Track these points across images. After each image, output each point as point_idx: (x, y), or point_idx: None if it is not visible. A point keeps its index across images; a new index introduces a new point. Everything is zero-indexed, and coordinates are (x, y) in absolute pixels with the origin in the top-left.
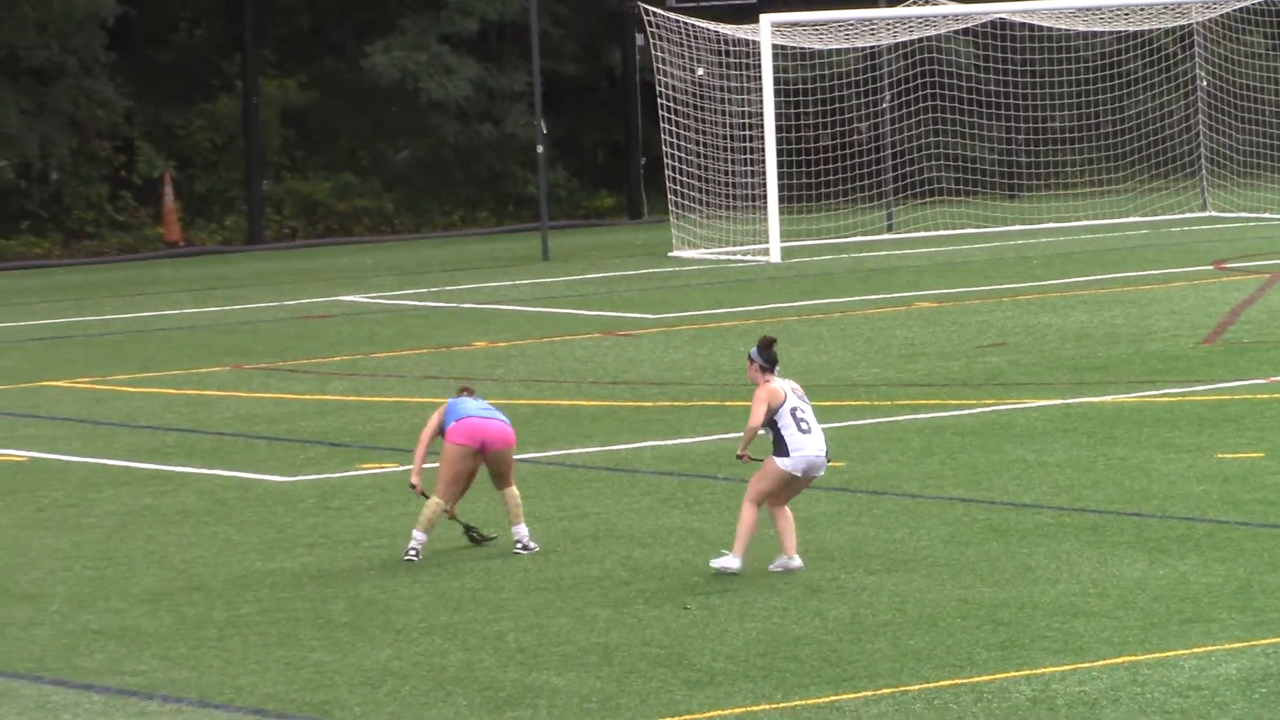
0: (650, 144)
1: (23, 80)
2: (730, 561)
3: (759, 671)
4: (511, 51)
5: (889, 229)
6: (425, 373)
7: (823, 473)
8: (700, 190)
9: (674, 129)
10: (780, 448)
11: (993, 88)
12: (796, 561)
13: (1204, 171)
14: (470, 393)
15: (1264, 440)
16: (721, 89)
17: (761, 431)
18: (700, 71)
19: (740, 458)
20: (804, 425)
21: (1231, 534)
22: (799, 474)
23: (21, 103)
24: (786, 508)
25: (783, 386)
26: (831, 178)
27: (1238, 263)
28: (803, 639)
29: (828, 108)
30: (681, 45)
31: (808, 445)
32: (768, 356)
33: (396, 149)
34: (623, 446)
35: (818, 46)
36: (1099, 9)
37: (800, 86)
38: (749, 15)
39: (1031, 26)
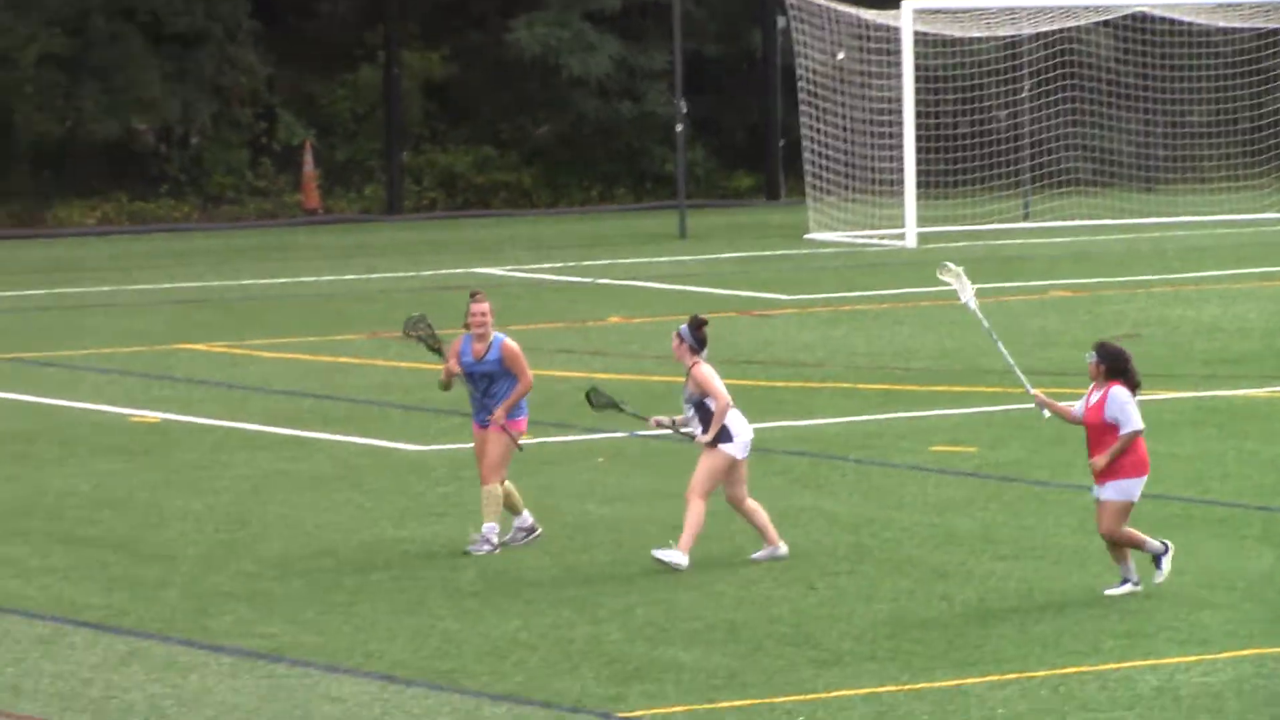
0: (789, 126)
1: (165, 46)
2: (678, 557)
3: (885, 653)
4: (653, 30)
5: (1025, 217)
6: (559, 347)
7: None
8: (838, 173)
9: (813, 112)
10: (721, 434)
11: (1131, 80)
12: (783, 548)
13: None
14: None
15: None
16: (861, 73)
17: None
18: (841, 56)
19: (694, 438)
20: (739, 409)
21: None
22: (741, 456)
23: (164, 67)
24: (750, 500)
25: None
26: (969, 164)
27: None
28: (929, 622)
29: (966, 95)
30: (823, 29)
31: (745, 428)
32: (698, 337)
33: (536, 124)
34: (755, 425)
35: (958, 34)
36: (1239, 5)
37: (940, 73)
38: (891, 1)
39: (1171, 21)
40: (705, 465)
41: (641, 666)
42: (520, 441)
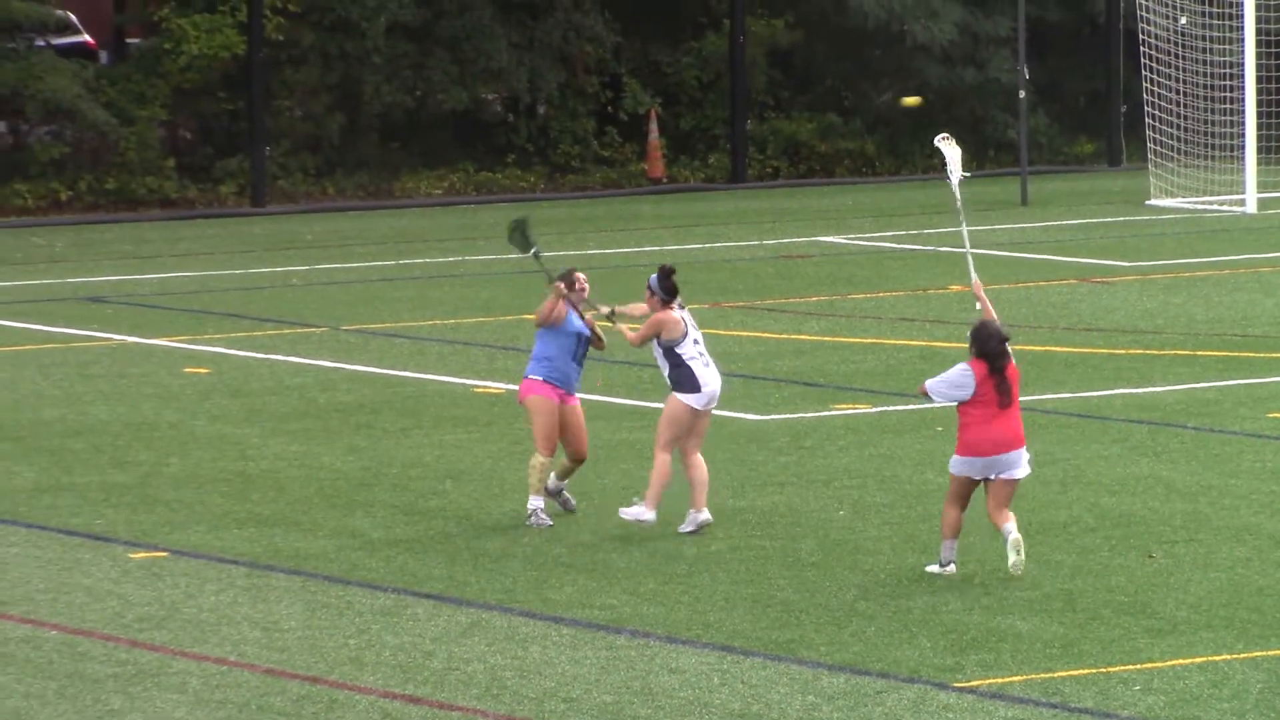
0: (1131, 91)
1: (514, 15)
2: (644, 513)
3: (1221, 621)
4: None
5: None
6: (901, 315)
7: (712, 408)
8: (1179, 139)
9: (1155, 77)
10: (684, 383)
11: None
12: (705, 515)
13: None
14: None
15: None
16: (1203, 38)
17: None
18: (1184, 21)
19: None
20: (705, 359)
21: None
22: (701, 407)
23: (512, 36)
24: (698, 456)
25: (683, 317)
26: None
27: None
28: (1266, 590)
29: None
30: None
31: (711, 379)
32: (666, 287)
33: (880, 91)
34: (1094, 394)
35: None
36: None
37: None
38: None
39: None
40: (665, 414)
41: (979, 636)
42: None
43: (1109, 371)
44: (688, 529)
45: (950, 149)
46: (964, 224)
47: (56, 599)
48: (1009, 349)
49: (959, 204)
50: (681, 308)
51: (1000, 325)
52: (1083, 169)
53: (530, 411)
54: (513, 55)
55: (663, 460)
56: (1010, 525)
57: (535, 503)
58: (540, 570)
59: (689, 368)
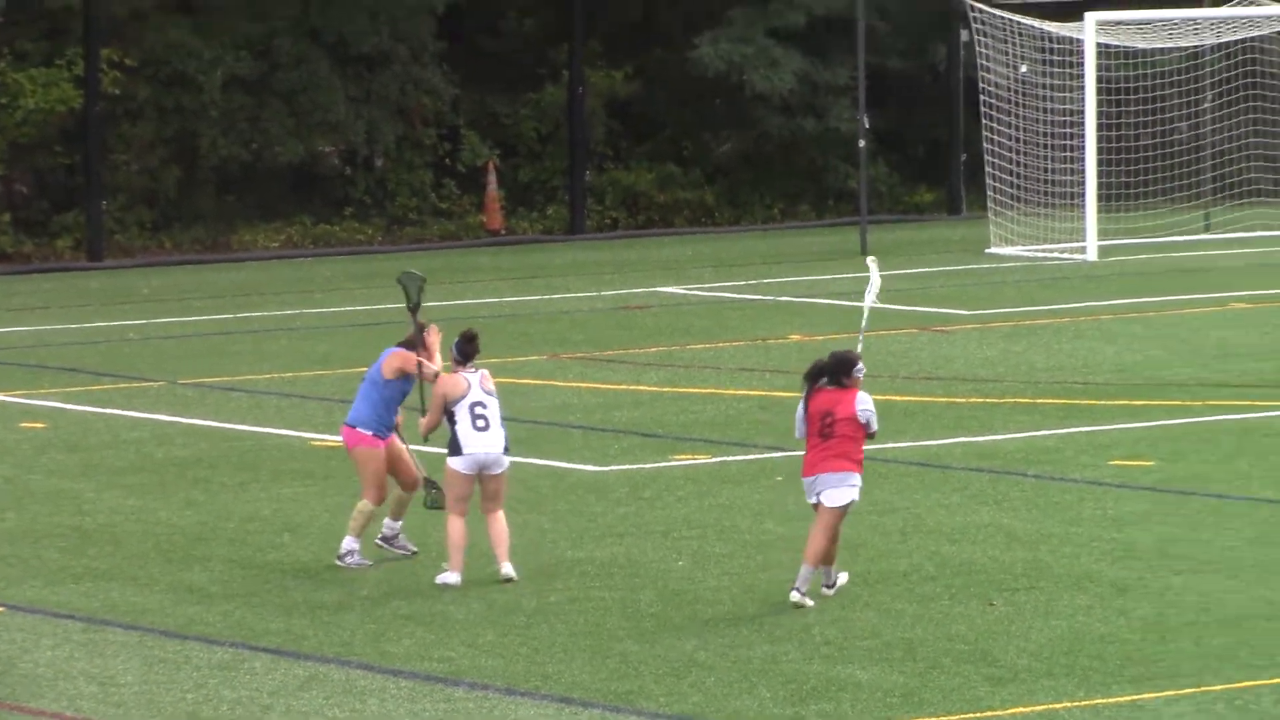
0: (971, 140)
1: (351, 67)
2: (449, 577)
3: (1062, 669)
4: (837, 45)
5: (1206, 229)
6: (740, 365)
7: (500, 471)
8: (1019, 187)
9: (995, 125)
10: (452, 446)
11: None
12: (505, 569)
13: None
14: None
15: None
16: (1044, 86)
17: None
18: (1024, 69)
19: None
20: (479, 423)
21: None
22: (471, 472)
23: (349, 89)
24: (496, 515)
25: (469, 379)
26: (1150, 177)
27: None
28: (1107, 637)
29: (1148, 107)
30: (1006, 42)
31: (478, 444)
32: (461, 349)
33: (719, 141)
34: (934, 442)
35: (1141, 45)
36: None
37: (1122, 85)
38: (1074, 13)
39: None
40: (444, 482)
41: (819, 686)
42: None
43: (949, 420)
44: (443, 580)
45: (876, 274)
46: (861, 339)
47: None
48: (840, 381)
49: (864, 323)
50: (474, 370)
51: (831, 361)
52: (922, 218)
53: (359, 462)
54: (350, 108)
55: (452, 525)
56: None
57: (351, 544)
58: (378, 623)
59: (455, 430)
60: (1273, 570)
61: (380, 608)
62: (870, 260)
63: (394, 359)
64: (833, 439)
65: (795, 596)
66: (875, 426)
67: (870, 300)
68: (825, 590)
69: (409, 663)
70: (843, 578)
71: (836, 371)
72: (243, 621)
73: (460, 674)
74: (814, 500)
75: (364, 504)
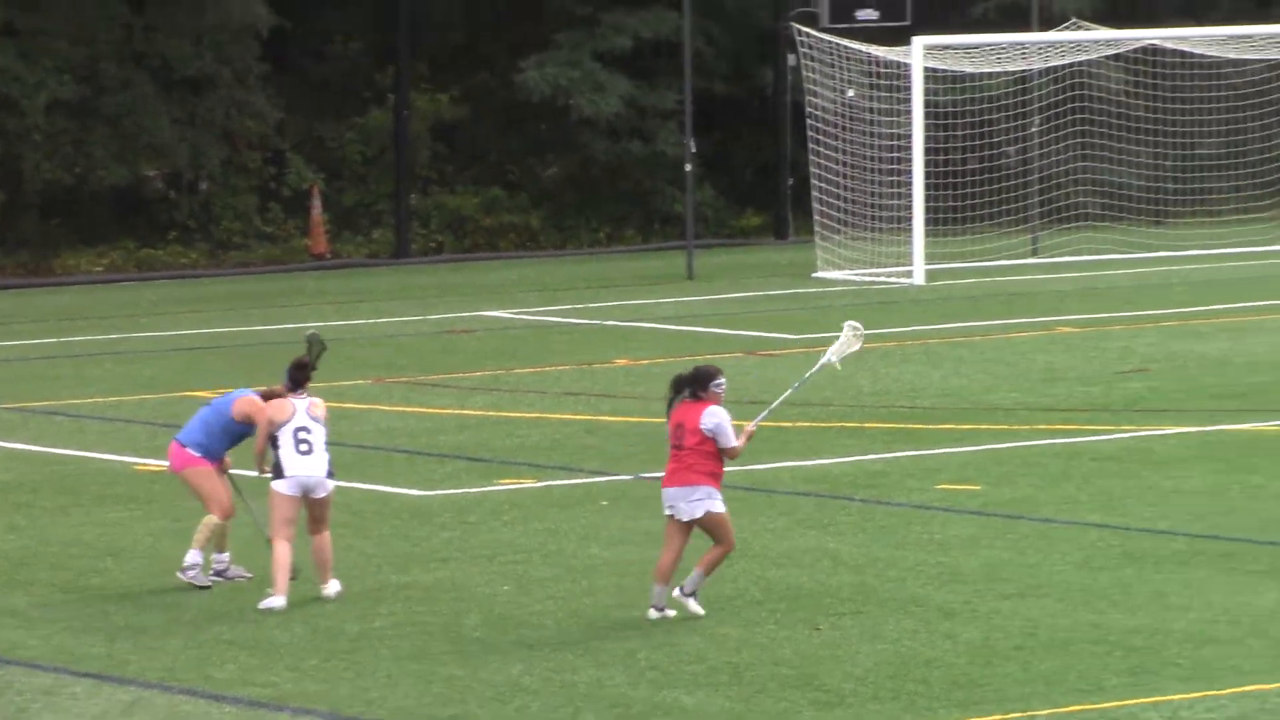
0: (798, 164)
1: (176, 91)
2: (274, 600)
3: (888, 693)
4: (664, 69)
5: (1034, 253)
6: (566, 389)
7: (324, 494)
8: (846, 211)
9: (822, 149)
10: (275, 469)
11: (1141, 114)
12: (327, 588)
13: None
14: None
15: None
16: (871, 110)
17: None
18: (851, 93)
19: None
20: (303, 447)
21: None
22: (294, 495)
23: (174, 113)
24: (321, 537)
25: (295, 404)
26: (977, 201)
27: None
28: (933, 661)
29: (976, 131)
30: (833, 66)
31: (300, 467)
32: (293, 375)
33: (545, 165)
34: (760, 466)
35: (969, 69)
36: (1250, 37)
37: (949, 109)
38: (901, 37)
39: (1182, 53)
40: (269, 504)
41: (644, 710)
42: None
43: (776, 444)
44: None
45: (848, 337)
46: (797, 385)
47: None
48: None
49: (809, 373)
50: (303, 397)
51: (690, 373)
52: (749, 242)
53: (192, 482)
54: (175, 131)
55: (277, 549)
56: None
57: (195, 558)
58: (202, 648)
59: (279, 454)
60: (1099, 594)
61: (204, 632)
62: (850, 325)
63: (245, 404)
64: (683, 451)
65: (653, 614)
66: (728, 442)
67: (830, 358)
68: (676, 593)
69: (233, 688)
70: (689, 600)
71: (693, 384)
72: (64, 646)
73: (284, 699)
74: (668, 513)
75: (209, 518)
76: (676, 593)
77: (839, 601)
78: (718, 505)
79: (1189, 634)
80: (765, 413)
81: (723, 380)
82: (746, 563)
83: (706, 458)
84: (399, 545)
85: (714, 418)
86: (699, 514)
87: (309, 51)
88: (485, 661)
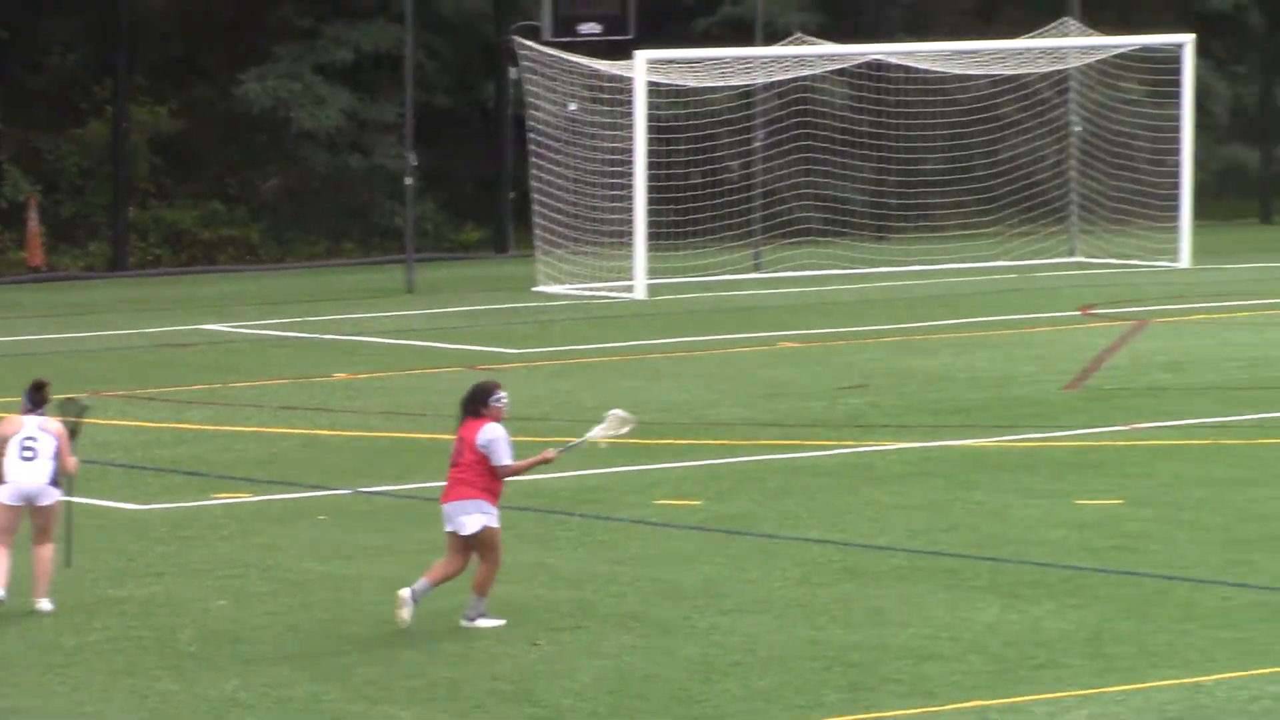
0: (520, 178)
1: None
2: (44, 605)
3: (607, 709)
4: (385, 82)
5: (756, 268)
6: (284, 403)
7: (48, 503)
8: (568, 225)
9: (543, 163)
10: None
11: (866, 129)
12: (41, 604)
13: (1074, 217)
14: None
15: (1122, 487)
16: (593, 124)
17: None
18: (573, 106)
19: None
20: (27, 454)
21: (1086, 580)
22: (15, 504)
23: None
24: (43, 548)
25: (25, 420)
26: (700, 216)
27: (1104, 309)
28: (651, 678)
29: (699, 145)
30: (555, 79)
31: (20, 473)
32: (32, 398)
33: (265, 178)
34: None
35: (692, 84)
36: (975, 52)
37: (672, 124)
38: (624, 51)
39: (906, 68)
40: None
41: None
42: None
43: None
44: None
45: (610, 424)
46: (567, 446)
47: None
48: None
49: (578, 440)
50: (40, 415)
51: (471, 390)
52: (469, 256)
53: None
54: None
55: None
56: None
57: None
58: None
59: (3, 464)
60: (818, 610)
61: None
62: (615, 413)
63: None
64: (459, 466)
65: (405, 614)
66: (499, 460)
67: (595, 435)
68: (465, 623)
69: None
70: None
71: (473, 402)
72: None
73: None
74: (448, 529)
75: None
76: (464, 623)
77: (558, 617)
78: (492, 521)
79: (909, 649)
80: (566, 446)
81: (503, 395)
82: (466, 578)
83: (482, 474)
84: (113, 559)
85: (486, 434)
86: (477, 529)
87: (27, 63)
88: (200, 676)
